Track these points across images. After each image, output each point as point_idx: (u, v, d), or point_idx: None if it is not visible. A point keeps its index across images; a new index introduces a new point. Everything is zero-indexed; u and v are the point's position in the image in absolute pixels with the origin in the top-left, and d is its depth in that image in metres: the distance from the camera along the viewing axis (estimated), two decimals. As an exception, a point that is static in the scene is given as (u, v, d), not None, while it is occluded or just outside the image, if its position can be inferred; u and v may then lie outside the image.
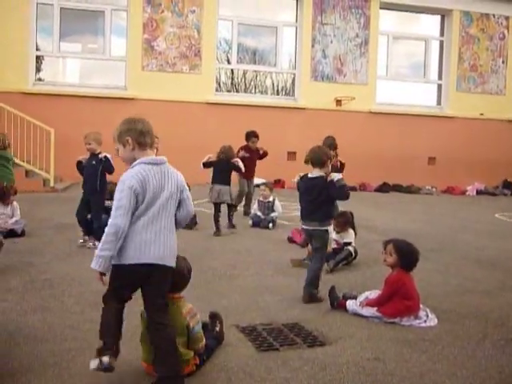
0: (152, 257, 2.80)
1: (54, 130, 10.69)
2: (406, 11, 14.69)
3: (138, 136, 2.93)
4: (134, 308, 3.96)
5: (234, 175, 7.86)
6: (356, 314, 4.06)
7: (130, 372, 3.04)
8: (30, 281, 4.73)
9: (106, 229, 2.75)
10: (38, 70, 12.71)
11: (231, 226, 7.46)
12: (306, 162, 4.59)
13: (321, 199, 4.44)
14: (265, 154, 9.09)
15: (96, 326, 3.65)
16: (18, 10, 11.74)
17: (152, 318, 2.86)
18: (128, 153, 2.92)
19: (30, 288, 4.54)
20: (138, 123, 3.04)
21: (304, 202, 4.58)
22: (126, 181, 2.78)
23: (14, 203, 6.78)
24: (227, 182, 7.36)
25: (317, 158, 4.51)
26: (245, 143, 8.97)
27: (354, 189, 11.92)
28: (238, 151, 8.42)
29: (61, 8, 12.37)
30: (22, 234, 6.60)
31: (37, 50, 12.45)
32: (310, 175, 4.56)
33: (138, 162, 2.87)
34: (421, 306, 4.04)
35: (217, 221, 7.15)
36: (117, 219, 2.74)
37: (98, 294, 4.37)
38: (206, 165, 7.52)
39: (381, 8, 14.13)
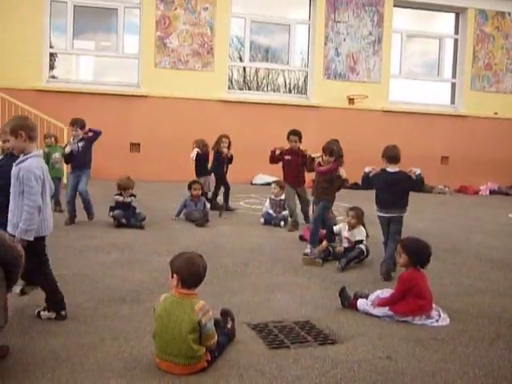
0: (51, 226, 3.82)
1: (67, 127, 10.75)
2: (421, 9, 14.57)
3: (30, 131, 3.63)
4: (147, 305, 4.01)
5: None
6: (367, 313, 4.05)
7: (142, 367, 3.06)
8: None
9: (29, 208, 3.53)
10: (52, 67, 12.80)
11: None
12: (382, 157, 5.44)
13: (403, 190, 5.30)
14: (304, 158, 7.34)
15: (108, 322, 3.71)
16: (32, 7, 11.83)
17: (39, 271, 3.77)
18: (20, 143, 3.62)
19: (43, 283, 4.57)
20: (29, 120, 3.80)
21: (384, 193, 5.31)
22: (34, 171, 3.55)
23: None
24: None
25: (395, 155, 5.33)
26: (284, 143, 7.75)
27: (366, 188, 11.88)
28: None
29: (74, 6, 12.44)
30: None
31: (50, 47, 12.54)
32: (389, 170, 5.32)
33: (33, 154, 3.63)
34: (433, 305, 4.03)
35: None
36: (37, 200, 3.55)
37: (110, 290, 4.45)
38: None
39: (395, 6, 14.03)
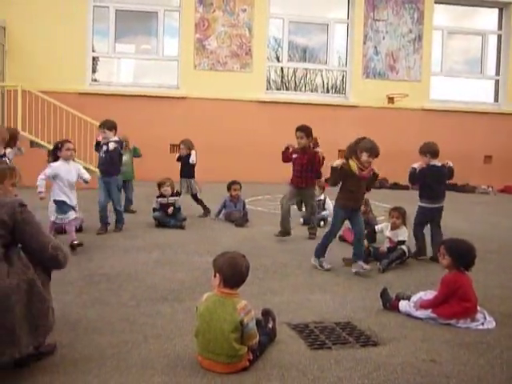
0: None
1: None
2: (462, 5, 14.27)
3: None
4: (188, 304, 4.06)
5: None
6: (409, 315, 3.99)
7: (185, 365, 3.10)
8: (88, 275, 4.90)
9: None
10: (94, 70, 13.11)
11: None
12: (424, 153, 5.88)
13: (445, 182, 5.96)
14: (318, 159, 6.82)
15: (151, 320, 3.77)
16: (75, 13, 12.14)
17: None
18: None
19: (88, 282, 4.70)
20: None
21: (434, 185, 5.84)
22: None
23: (73, 200, 7.01)
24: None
25: (437, 150, 5.88)
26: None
27: (406, 187, 11.70)
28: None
29: (116, 10, 12.72)
30: (80, 229, 6.83)
31: (93, 51, 12.85)
32: (434, 164, 5.82)
33: None
34: (478, 308, 3.93)
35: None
36: None
37: (153, 289, 4.52)
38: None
39: (435, 2, 13.78)
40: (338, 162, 5.22)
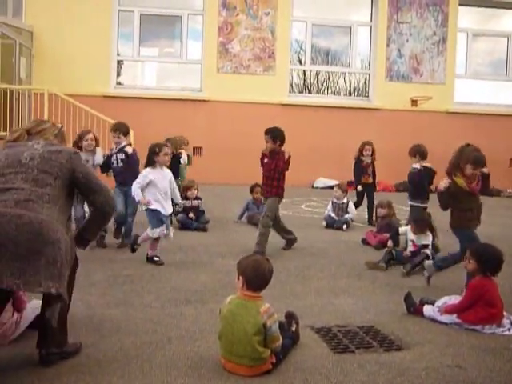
0: None
1: (134, 132, 11.10)
2: (487, 7, 14.08)
3: None
4: (211, 306, 4.08)
5: None
6: (434, 320, 3.95)
7: (208, 367, 3.11)
8: (112, 276, 4.95)
9: None
10: (118, 74, 13.28)
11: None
12: (413, 155, 6.52)
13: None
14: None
15: (175, 322, 3.80)
16: (100, 17, 12.32)
17: None
18: None
19: (112, 283, 4.75)
20: None
21: (425, 186, 6.57)
22: None
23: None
24: None
25: (425, 152, 6.55)
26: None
27: (430, 191, 11.56)
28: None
29: (141, 14, 12.86)
30: (104, 230, 6.90)
31: (117, 54, 13.02)
32: (426, 165, 6.39)
33: None
34: (504, 313, 3.87)
35: None
36: None
37: (176, 290, 4.55)
38: None
39: (460, 4, 13.63)
40: (443, 185, 4.56)
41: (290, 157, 5.95)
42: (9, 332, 3.32)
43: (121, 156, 6.17)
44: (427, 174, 6.53)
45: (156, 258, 5.45)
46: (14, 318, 3.36)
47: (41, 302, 3.55)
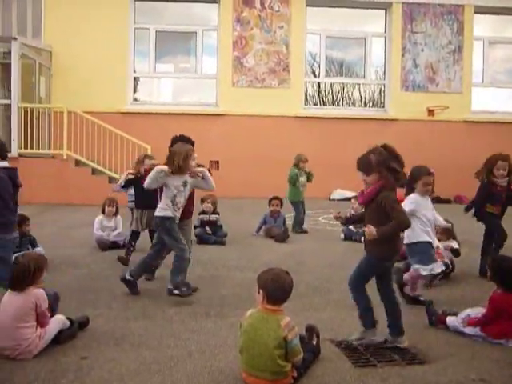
0: None
1: (151, 147, 11.22)
2: (503, 14, 14.00)
3: None
4: (231, 320, 4.08)
5: None
6: (457, 332, 3.90)
7: (229, 381, 3.11)
8: (132, 290, 4.98)
9: None
10: (135, 90, 13.45)
11: None
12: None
13: None
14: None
15: (195, 336, 3.80)
16: (117, 36, 12.53)
17: None
18: None
19: (132, 297, 4.77)
20: None
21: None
22: None
23: (118, 217, 7.13)
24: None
25: None
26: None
27: (448, 201, 11.47)
28: None
29: (156, 31, 13.06)
30: (123, 245, 6.95)
31: (134, 71, 13.20)
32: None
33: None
34: (529, 326, 3.80)
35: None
36: None
37: (196, 304, 4.56)
38: None
39: (475, 12, 13.58)
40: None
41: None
42: (33, 346, 3.37)
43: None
44: None
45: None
46: (37, 332, 3.41)
47: (63, 316, 3.61)
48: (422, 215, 4.61)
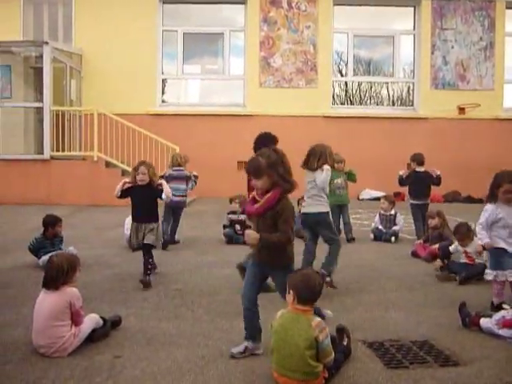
0: None
1: (179, 148, 11.32)
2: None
3: None
4: (261, 319, 4.07)
5: None
6: (491, 334, 3.82)
7: (261, 381, 3.12)
8: (163, 290, 5.03)
9: None
10: (163, 92, 13.59)
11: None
12: (412, 161, 7.53)
13: (429, 185, 7.70)
14: None
15: (225, 335, 3.81)
16: (146, 38, 12.69)
17: None
18: None
19: (163, 297, 4.82)
20: None
21: (418, 187, 7.58)
22: None
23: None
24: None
25: (420, 159, 7.56)
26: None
27: (480, 201, 11.25)
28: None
29: (184, 33, 13.17)
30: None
31: (162, 73, 13.33)
32: (419, 170, 7.43)
33: None
34: None
35: None
36: None
37: (227, 304, 4.58)
38: None
39: (507, 8, 13.30)
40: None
41: None
42: (67, 344, 3.43)
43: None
44: (421, 177, 7.49)
45: None
46: (72, 331, 3.47)
47: (97, 315, 3.67)
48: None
